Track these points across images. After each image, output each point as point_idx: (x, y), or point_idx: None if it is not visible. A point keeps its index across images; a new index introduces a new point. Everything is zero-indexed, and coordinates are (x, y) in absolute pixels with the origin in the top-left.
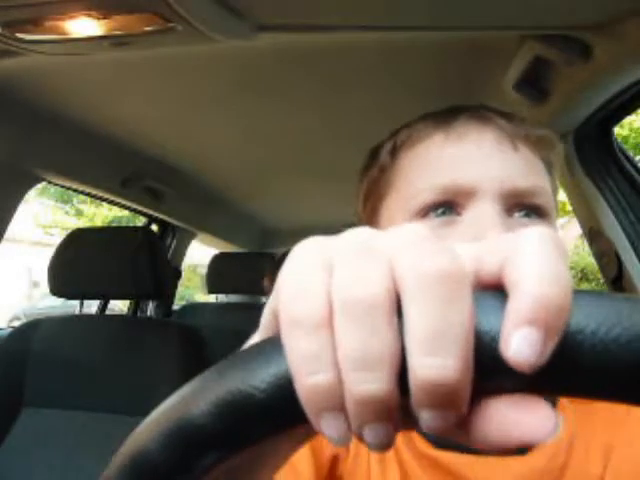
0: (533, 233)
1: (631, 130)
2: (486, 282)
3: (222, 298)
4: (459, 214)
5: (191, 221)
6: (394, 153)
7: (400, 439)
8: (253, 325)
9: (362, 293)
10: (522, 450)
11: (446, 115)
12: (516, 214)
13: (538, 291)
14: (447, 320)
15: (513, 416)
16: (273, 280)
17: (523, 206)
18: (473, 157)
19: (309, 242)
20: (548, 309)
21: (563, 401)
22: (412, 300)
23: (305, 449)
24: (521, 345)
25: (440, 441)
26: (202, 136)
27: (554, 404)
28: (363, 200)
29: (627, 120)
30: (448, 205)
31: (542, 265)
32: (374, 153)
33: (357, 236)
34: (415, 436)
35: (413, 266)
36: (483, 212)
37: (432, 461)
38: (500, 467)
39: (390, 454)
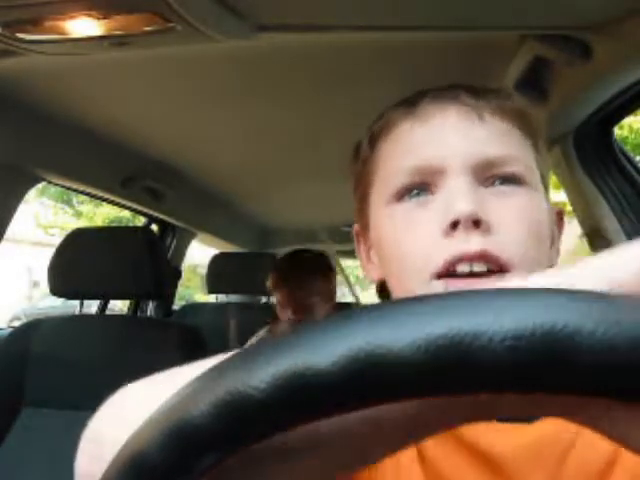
0: None
1: (631, 131)
2: None
3: (222, 298)
4: (433, 193)
5: (191, 221)
6: (372, 143)
7: None
8: (253, 325)
9: None
10: (530, 417)
11: (413, 99)
12: (496, 183)
13: None
14: None
15: None
16: (276, 282)
17: (497, 176)
18: (438, 136)
19: None
20: None
21: None
22: None
23: None
24: None
25: None
26: (202, 136)
27: None
28: (354, 193)
29: (626, 121)
30: (422, 186)
31: None
32: (357, 148)
33: None
34: None
35: None
36: (452, 187)
37: None
38: (508, 435)
39: None
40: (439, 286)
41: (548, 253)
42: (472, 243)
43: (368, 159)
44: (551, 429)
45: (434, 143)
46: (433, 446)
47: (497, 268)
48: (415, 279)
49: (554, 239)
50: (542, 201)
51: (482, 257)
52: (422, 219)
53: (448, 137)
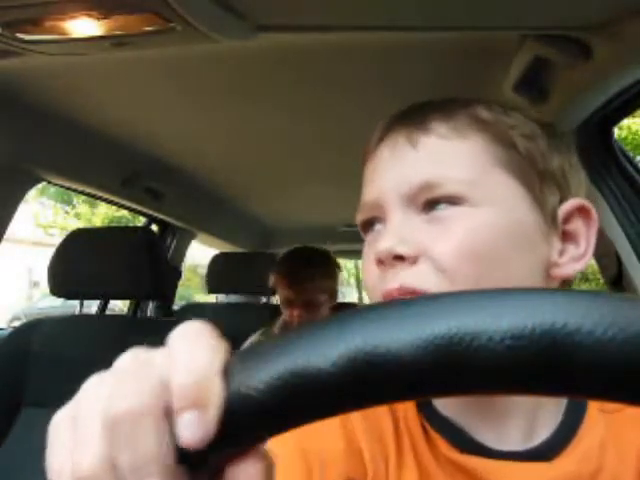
0: (176, 331)
1: (629, 132)
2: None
3: (222, 298)
4: (385, 226)
5: (191, 221)
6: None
7: (423, 444)
8: (253, 325)
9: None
10: (548, 455)
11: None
12: (437, 207)
13: (179, 381)
14: (138, 454)
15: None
16: (281, 280)
17: (434, 199)
18: (374, 174)
19: (60, 417)
20: (191, 393)
21: (593, 410)
22: (111, 445)
23: None
24: (186, 427)
25: (466, 446)
26: (202, 136)
27: (584, 411)
28: None
29: (625, 123)
30: (376, 220)
31: (179, 361)
32: None
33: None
34: (439, 440)
35: (100, 413)
36: (387, 222)
37: (457, 466)
38: (528, 473)
39: (410, 461)
40: None
41: (521, 264)
42: (391, 278)
43: None
44: (572, 467)
45: (372, 181)
46: None
47: None
48: None
49: (574, 236)
50: (497, 215)
51: (402, 291)
52: (370, 254)
53: (382, 172)
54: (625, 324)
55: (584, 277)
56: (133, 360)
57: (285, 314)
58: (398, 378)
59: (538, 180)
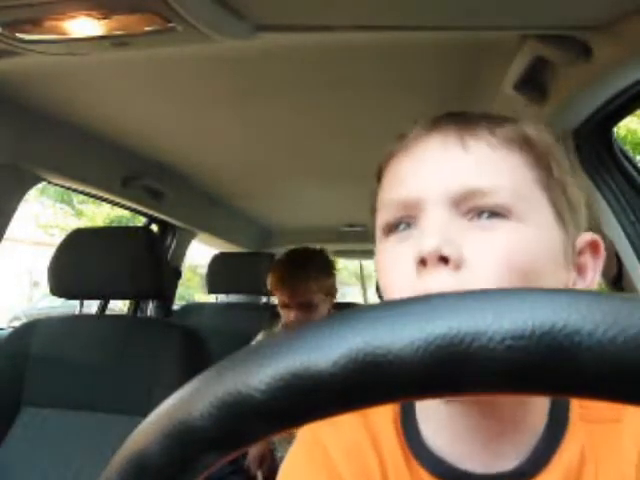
0: None
1: (628, 131)
2: None
3: (222, 298)
4: (416, 227)
5: (191, 221)
6: (378, 176)
7: (407, 477)
8: (253, 325)
9: None
10: (533, 471)
11: (410, 131)
12: (482, 216)
13: None
14: None
15: None
16: (276, 282)
17: (480, 208)
18: (418, 168)
19: None
20: None
21: (575, 419)
22: None
23: None
24: None
25: (448, 475)
26: (202, 136)
27: (566, 421)
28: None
29: (623, 122)
30: (406, 220)
31: None
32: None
33: None
34: (422, 472)
35: None
36: (426, 222)
37: None
38: None
39: None
40: None
41: (550, 284)
42: (434, 281)
43: (376, 192)
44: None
45: (414, 175)
46: None
47: None
48: None
49: (582, 269)
50: (536, 233)
51: None
52: (401, 255)
53: (427, 169)
54: (626, 325)
55: None
56: None
57: (283, 317)
58: (399, 378)
59: (566, 208)
